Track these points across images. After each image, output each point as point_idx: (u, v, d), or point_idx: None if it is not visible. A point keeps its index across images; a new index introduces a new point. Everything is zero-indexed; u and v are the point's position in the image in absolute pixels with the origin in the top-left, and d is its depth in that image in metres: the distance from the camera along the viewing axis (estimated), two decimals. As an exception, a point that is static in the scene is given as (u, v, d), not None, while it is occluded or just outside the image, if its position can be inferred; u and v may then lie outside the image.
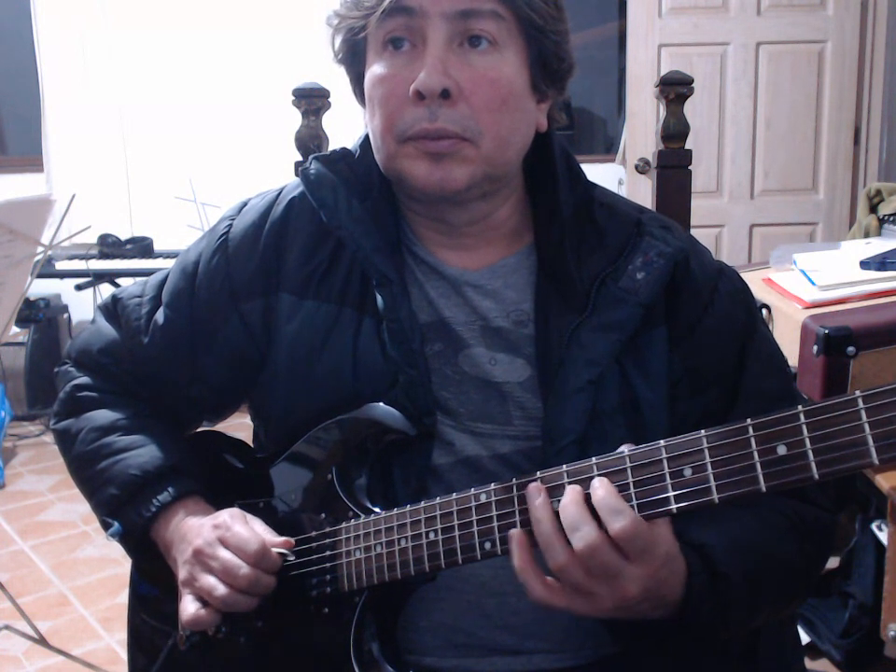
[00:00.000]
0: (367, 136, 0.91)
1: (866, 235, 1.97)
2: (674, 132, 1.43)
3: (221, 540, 0.85)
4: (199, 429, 1.07)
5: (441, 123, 0.80)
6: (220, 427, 1.07)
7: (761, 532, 0.83)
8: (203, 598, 0.85)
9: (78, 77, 4.26)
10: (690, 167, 1.45)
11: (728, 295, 0.90)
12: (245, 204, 0.98)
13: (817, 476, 0.62)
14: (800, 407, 0.63)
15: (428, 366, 0.87)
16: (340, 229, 0.89)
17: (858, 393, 0.60)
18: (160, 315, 0.96)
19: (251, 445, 1.02)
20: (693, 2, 3.28)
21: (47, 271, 3.62)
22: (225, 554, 0.84)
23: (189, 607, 0.86)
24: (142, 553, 0.97)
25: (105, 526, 0.94)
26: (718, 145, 3.38)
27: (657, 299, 0.86)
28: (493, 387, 0.88)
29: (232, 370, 0.95)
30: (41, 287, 3.94)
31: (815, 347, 1.30)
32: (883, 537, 1.56)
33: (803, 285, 1.50)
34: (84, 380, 1.00)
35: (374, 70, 0.84)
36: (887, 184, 2.07)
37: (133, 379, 0.99)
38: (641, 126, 3.31)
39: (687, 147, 1.44)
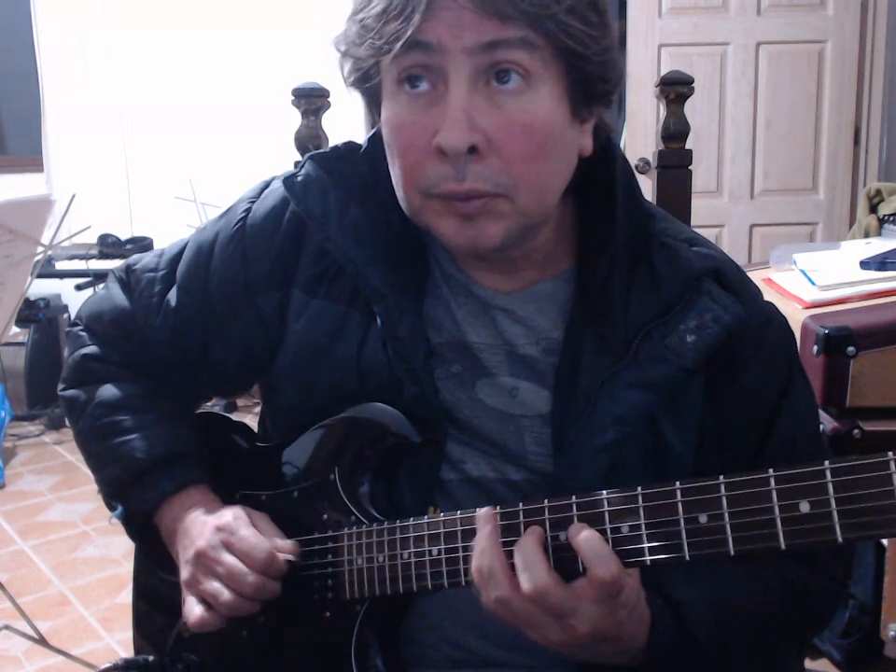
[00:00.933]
0: (380, 130, 0.82)
1: (866, 235, 1.97)
2: (674, 132, 1.43)
3: (226, 545, 0.83)
4: (201, 411, 1.06)
5: (470, 183, 0.71)
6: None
7: (752, 595, 0.80)
8: (208, 601, 0.84)
9: (78, 77, 4.26)
10: (690, 167, 1.45)
11: (772, 349, 0.83)
12: (266, 186, 0.93)
13: (840, 539, 0.58)
14: (826, 463, 0.59)
15: (435, 383, 0.84)
16: (328, 241, 0.83)
17: (890, 455, 0.57)
18: (172, 297, 0.93)
19: (253, 430, 1.01)
20: (693, 2, 3.28)
21: (47, 271, 3.62)
22: (230, 560, 0.82)
23: (194, 609, 0.84)
24: (143, 537, 0.96)
25: (110, 507, 0.94)
26: (718, 145, 3.37)
27: (702, 364, 0.79)
28: (510, 420, 0.83)
29: (243, 359, 0.93)
30: (41, 287, 3.93)
31: (815, 347, 1.30)
32: (883, 537, 1.56)
33: (803, 285, 1.50)
34: (94, 349, 0.98)
35: (391, 113, 0.75)
36: (887, 184, 2.07)
37: (142, 354, 0.97)
38: (641, 126, 3.31)
39: (687, 147, 1.44)
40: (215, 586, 0.83)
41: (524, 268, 0.84)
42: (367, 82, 0.78)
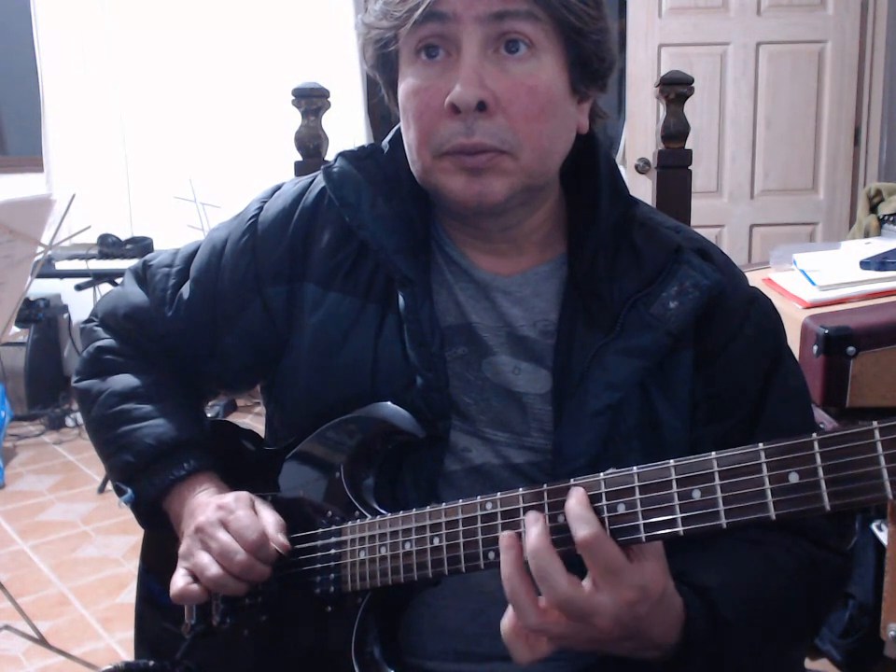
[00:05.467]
0: (398, 132, 0.89)
1: (866, 235, 1.97)
2: (674, 132, 1.43)
3: (223, 522, 0.85)
4: (211, 419, 1.07)
5: (479, 138, 0.78)
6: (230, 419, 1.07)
7: (769, 575, 0.81)
8: (195, 575, 0.86)
9: (78, 77, 4.26)
10: (690, 167, 1.45)
11: (758, 325, 0.88)
12: (278, 188, 0.98)
13: (828, 507, 0.60)
14: (814, 435, 0.61)
15: (447, 370, 0.87)
16: (361, 229, 0.88)
17: (875, 424, 0.58)
18: (185, 290, 0.97)
19: (262, 437, 1.03)
20: (693, 2, 3.28)
21: (47, 271, 3.62)
22: (224, 537, 0.84)
23: (178, 580, 0.86)
24: (151, 523, 0.98)
25: (119, 492, 0.95)
26: (718, 145, 3.37)
27: (686, 328, 0.84)
28: (514, 397, 0.87)
29: (251, 352, 0.95)
30: (41, 287, 3.94)
31: (815, 347, 1.30)
32: (883, 537, 1.56)
33: (803, 285, 1.50)
34: (108, 342, 1.02)
35: (408, 81, 0.82)
36: (887, 184, 2.07)
37: (154, 347, 1.00)
38: (641, 126, 3.31)
39: (687, 147, 1.44)
40: (204, 560, 0.85)
41: (523, 250, 0.89)
42: (386, 63, 0.85)
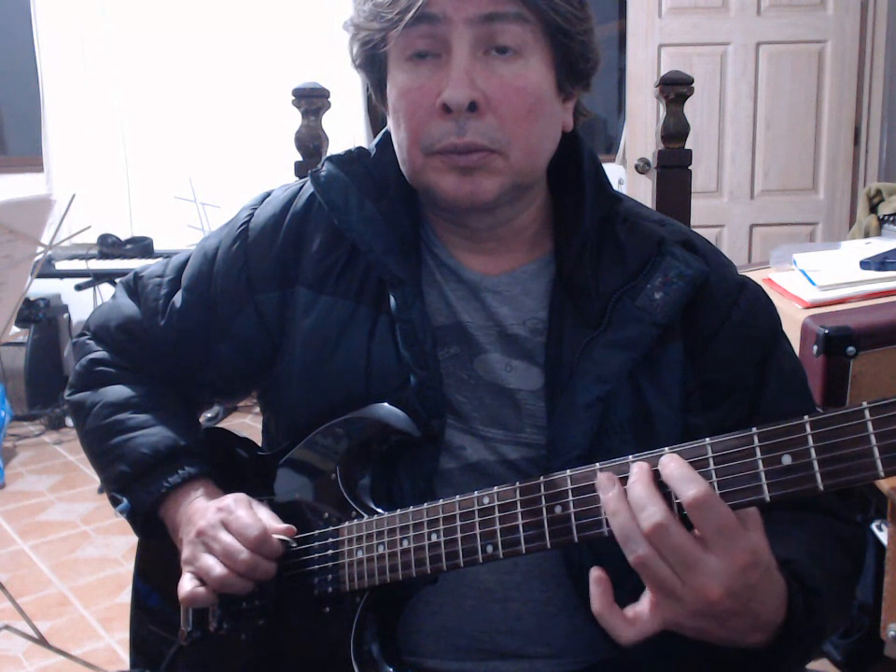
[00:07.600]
0: (385, 135, 0.90)
1: (866, 235, 1.97)
2: (674, 132, 1.43)
3: (224, 523, 0.85)
4: (206, 426, 1.08)
5: (470, 137, 0.79)
6: (226, 425, 1.07)
7: (822, 549, 0.82)
8: (202, 578, 0.86)
9: (78, 77, 4.26)
10: (690, 167, 1.45)
11: (748, 309, 0.88)
12: (268, 195, 0.98)
13: (821, 487, 0.61)
14: (806, 417, 0.62)
15: (440, 368, 0.87)
16: (350, 231, 0.89)
17: (865, 404, 0.59)
18: (177, 299, 0.97)
19: (257, 443, 1.03)
20: (693, 2, 3.28)
21: (47, 271, 3.62)
22: (226, 538, 0.85)
23: (186, 585, 0.87)
24: (149, 532, 0.98)
25: (114, 502, 0.95)
26: (718, 145, 3.38)
27: (673, 319, 0.84)
28: (507, 394, 0.87)
29: (244, 358, 0.96)
30: (41, 287, 3.94)
31: (815, 347, 1.30)
32: (883, 537, 1.56)
33: (803, 285, 1.50)
34: (101, 354, 1.02)
35: (398, 81, 0.83)
36: (887, 184, 2.07)
37: (147, 357, 1.00)
38: (641, 126, 3.31)
39: (687, 147, 1.44)
40: (209, 562, 0.85)
41: (511, 249, 0.90)
42: (374, 63, 0.85)
